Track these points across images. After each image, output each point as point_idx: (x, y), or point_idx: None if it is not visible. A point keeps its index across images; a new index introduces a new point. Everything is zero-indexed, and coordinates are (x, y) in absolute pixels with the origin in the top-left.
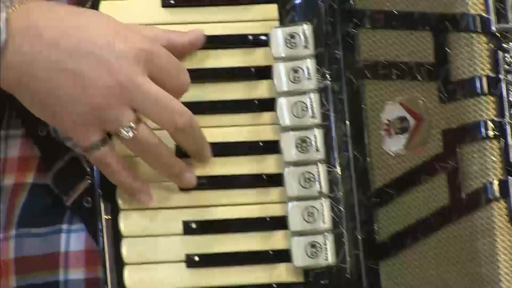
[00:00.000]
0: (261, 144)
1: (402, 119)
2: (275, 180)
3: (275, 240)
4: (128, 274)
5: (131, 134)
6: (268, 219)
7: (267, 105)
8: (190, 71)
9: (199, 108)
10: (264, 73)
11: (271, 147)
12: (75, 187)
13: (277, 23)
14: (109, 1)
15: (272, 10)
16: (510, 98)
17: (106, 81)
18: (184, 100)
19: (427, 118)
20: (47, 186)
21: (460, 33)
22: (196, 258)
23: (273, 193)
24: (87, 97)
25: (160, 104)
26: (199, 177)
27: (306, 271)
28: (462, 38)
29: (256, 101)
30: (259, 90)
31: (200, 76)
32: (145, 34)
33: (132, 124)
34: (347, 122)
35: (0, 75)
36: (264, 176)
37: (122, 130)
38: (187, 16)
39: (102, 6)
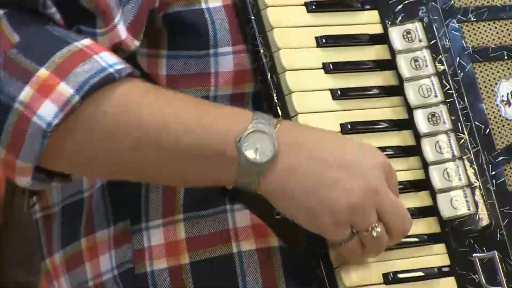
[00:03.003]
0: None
1: None
2: (413, 150)
3: (422, 198)
4: None
5: (377, 232)
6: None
7: (394, 90)
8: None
9: (350, 95)
10: (384, 65)
11: (404, 124)
12: None
13: (380, 26)
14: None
15: (375, 15)
16: None
17: (362, 185)
18: (340, 86)
19: None
20: None
21: None
22: None
23: (413, 160)
24: (346, 202)
25: (398, 210)
26: None
27: (449, 222)
28: None
29: (383, 88)
30: (385, 78)
31: (343, 68)
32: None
33: (377, 224)
34: (466, 98)
35: (268, 179)
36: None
37: (374, 229)
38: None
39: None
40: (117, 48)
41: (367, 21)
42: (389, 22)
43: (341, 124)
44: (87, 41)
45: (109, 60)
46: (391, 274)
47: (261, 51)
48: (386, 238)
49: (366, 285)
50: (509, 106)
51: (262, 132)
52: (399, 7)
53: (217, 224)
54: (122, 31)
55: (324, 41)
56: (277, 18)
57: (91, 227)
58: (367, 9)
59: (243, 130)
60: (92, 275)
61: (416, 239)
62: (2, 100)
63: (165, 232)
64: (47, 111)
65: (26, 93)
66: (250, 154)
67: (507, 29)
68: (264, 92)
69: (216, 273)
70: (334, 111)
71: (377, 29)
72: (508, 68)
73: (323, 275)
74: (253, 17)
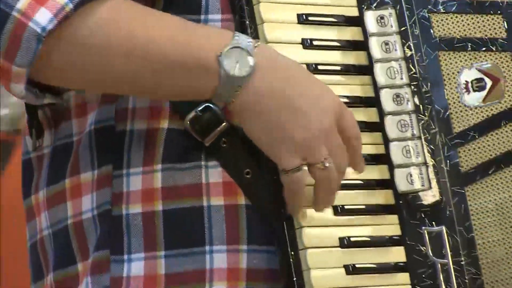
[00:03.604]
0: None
1: (479, 80)
2: (377, 126)
3: (382, 171)
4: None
5: (329, 165)
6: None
7: (364, 70)
8: (318, 40)
9: (324, 70)
10: (357, 45)
11: (370, 101)
12: (212, 132)
13: (356, 9)
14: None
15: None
16: None
17: (320, 125)
18: (316, 61)
19: (502, 79)
20: (183, 130)
21: None
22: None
23: (376, 135)
24: (304, 132)
25: (343, 149)
26: None
27: (403, 196)
28: None
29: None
30: (357, 58)
31: (320, 45)
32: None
33: (327, 157)
34: (429, 83)
35: (244, 96)
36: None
37: (324, 161)
38: None
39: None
40: None
41: (345, 3)
42: (365, 7)
43: None
44: None
45: None
46: (346, 238)
47: (247, 22)
48: (335, 174)
49: (323, 247)
50: (468, 93)
51: (242, 48)
52: None
53: (191, 177)
54: None
55: (304, 18)
56: None
57: (77, 169)
58: None
59: (225, 46)
60: (72, 213)
61: (372, 208)
62: (1, 8)
63: (143, 179)
64: (42, 17)
65: (23, 1)
66: (229, 67)
67: (473, 23)
68: None
69: (186, 222)
70: None
71: (354, 12)
72: (471, 59)
73: (285, 235)
74: None
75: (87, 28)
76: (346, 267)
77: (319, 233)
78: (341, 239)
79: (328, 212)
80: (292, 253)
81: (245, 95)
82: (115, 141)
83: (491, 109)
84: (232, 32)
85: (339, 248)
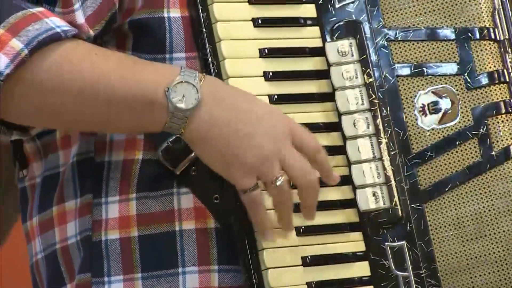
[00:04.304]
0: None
1: (435, 102)
2: (339, 150)
3: (344, 192)
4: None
5: (281, 182)
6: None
7: (327, 97)
8: (279, 72)
9: (287, 99)
10: (322, 74)
11: (333, 127)
12: (182, 161)
13: (320, 40)
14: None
15: (317, 30)
16: None
17: (269, 146)
18: (283, 92)
19: (456, 101)
20: (156, 160)
21: (480, 41)
22: None
23: (339, 158)
24: (254, 154)
25: (299, 165)
26: None
27: (367, 214)
28: (482, 44)
29: (318, 94)
30: (321, 86)
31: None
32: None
33: (280, 176)
34: (389, 107)
35: (191, 126)
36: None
37: (276, 180)
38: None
39: (219, 25)
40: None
41: (309, 35)
42: (328, 38)
43: None
44: (41, 9)
45: (57, 23)
46: (308, 256)
47: (209, 59)
48: (289, 191)
49: (285, 266)
50: (425, 116)
51: (188, 82)
52: (337, 25)
53: (164, 204)
54: (79, 18)
55: (266, 52)
56: (225, 32)
57: (62, 197)
58: (310, 25)
59: (172, 81)
60: (59, 238)
61: (336, 227)
62: None
63: (120, 207)
64: (0, 62)
65: None
66: (177, 101)
67: (428, 49)
68: None
69: (160, 246)
70: None
71: (317, 43)
72: (426, 83)
73: (248, 256)
74: (204, 30)
75: (42, 71)
76: (308, 284)
77: (281, 254)
78: (303, 258)
79: (292, 233)
80: (255, 273)
81: (193, 126)
82: (95, 172)
83: (446, 130)
84: (179, 67)
85: (302, 267)
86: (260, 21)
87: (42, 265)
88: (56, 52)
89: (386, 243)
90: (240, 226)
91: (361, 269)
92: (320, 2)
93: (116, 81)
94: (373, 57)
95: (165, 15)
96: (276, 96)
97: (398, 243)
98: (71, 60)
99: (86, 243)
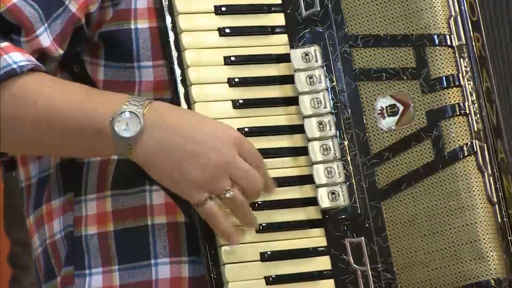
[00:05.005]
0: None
1: (393, 106)
2: (302, 151)
3: (306, 190)
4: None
5: (231, 194)
6: (298, 176)
7: (292, 101)
8: (243, 78)
9: (252, 103)
10: (288, 79)
11: (298, 128)
12: None
13: (288, 47)
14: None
15: (285, 38)
16: (469, 90)
17: (217, 161)
18: (248, 97)
19: (412, 104)
20: (129, 160)
21: (435, 47)
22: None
23: (302, 159)
24: (203, 171)
25: (247, 176)
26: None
27: (328, 211)
28: (437, 50)
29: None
30: (286, 90)
31: (248, 82)
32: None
33: (230, 188)
34: (350, 110)
35: (137, 151)
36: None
37: (226, 192)
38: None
39: (183, 35)
40: (44, 53)
41: (277, 43)
42: (294, 45)
43: (238, 129)
44: (3, 44)
45: (16, 58)
46: (267, 252)
47: (174, 67)
48: (242, 199)
49: (244, 262)
50: (384, 118)
51: (131, 112)
52: (303, 32)
53: (137, 200)
54: (44, 41)
55: (230, 60)
56: (190, 41)
57: (49, 196)
58: (278, 33)
59: (117, 110)
60: (48, 234)
61: (298, 224)
62: None
63: (97, 204)
64: None
65: None
66: (120, 130)
67: (387, 55)
68: (175, 101)
69: (134, 239)
70: (235, 118)
71: (286, 49)
72: (385, 87)
73: (208, 251)
74: (170, 39)
75: (4, 102)
76: (266, 278)
77: (240, 250)
78: (262, 254)
79: (251, 230)
80: (214, 269)
81: (139, 151)
82: (76, 172)
83: (403, 132)
84: (127, 97)
85: (260, 262)
86: (226, 30)
87: (41, 259)
88: (12, 87)
89: (346, 239)
90: (200, 223)
91: (322, 263)
92: (289, 11)
93: (65, 112)
94: (336, 63)
95: (132, 26)
96: (241, 101)
97: (357, 239)
98: (26, 93)
99: (69, 238)
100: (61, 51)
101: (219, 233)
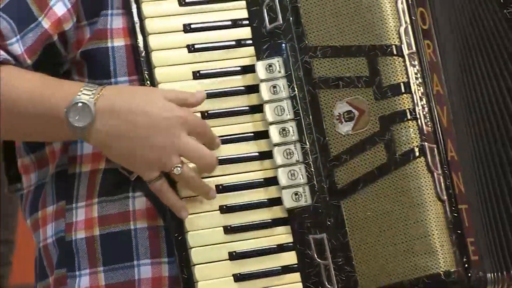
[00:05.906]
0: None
1: (349, 112)
2: (268, 155)
3: (271, 192)
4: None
5: (179, 171)
6: (264, 179)
7: (257, 109)
8: (214, 91)
9: (219, 114)
10: (253, 89)
11: (263, 135)
12: None
13: (254, 58)
14: (158, 51)
15: (252, 50)
16: (419, 95)
17: (164, 142)
18: (216, 110)
19: (367, 110)
20: (115, 169)
21: (386, 57)
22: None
23: (267, 163)
24: (153, 152)
25: (196, 152)
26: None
27: (292, 210)
28: (388, 60)
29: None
30: (252, 99)
31: (215, 94)
32: (171, 98)
33: (179, 165)
34: (311, 116)
35: (92, 137)
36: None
37: (174, 169)
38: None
39: (153, 54)
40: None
41: (244, 55)
42: (260, 56)
43: None
44: None
45: None
46: (235, 251)
47: (146, 83)
48: (191, 174)
49: (212, 262)
50: (341, 124)
51: (83, 103)
52: (267, 45)
53: (120, 206)
54: (16, 50)
55: (199, 74)
56: (159, 59)
57: (44, 203)
58: (246, 45)
59: (71, 101)
60: (42, 238)
61: (264, 223)
62: None
63: (85, 211)
64: None
65: None
66: (73, 120)
67: (344, 64)
68: None
69: (118, 243)
70: None
71: (253, 61)
72: (342, 94)
73: (178, 253)
74: (141, 58)
75: None
76: (234, 275)
77: (209, 251)
78: (230, 253)
79: (220, 231)
80: (185, 269)
81: (94, 137)
82: (68, 182)
83: (359, 136)
84: (80, 86)
85: (229, 261)
86: (194, 47)
87: (36, 260)
88: None
89: (310, 235)
90: (172, 227)
91: (289, 258)
92: (254, 24)
93: (27, 100)
94: (298, 73)
95: (109, 45)
96: (208, 112)
97: (320, 235)
98: None
99: (60, 242)
100: (29, 62)
101: (170, 207)
